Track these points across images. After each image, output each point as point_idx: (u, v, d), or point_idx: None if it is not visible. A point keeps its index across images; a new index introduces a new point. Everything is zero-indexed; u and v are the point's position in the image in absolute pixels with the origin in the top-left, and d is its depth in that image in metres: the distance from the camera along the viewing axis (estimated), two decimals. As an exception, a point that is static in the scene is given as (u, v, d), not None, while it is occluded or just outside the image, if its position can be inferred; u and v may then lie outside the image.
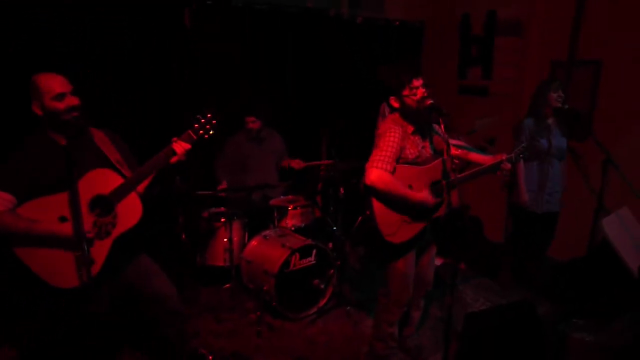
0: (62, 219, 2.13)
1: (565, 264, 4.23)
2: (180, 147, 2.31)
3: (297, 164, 4.47)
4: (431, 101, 2.56)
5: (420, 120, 2.69)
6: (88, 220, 2.14)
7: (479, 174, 2.81)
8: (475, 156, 2.92)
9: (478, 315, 3.24)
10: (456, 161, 2.75)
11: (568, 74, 4.30)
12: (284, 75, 5.06)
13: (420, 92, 2.59)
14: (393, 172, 2.58)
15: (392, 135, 2.61)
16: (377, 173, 2.53)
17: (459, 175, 2.70)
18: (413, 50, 5.57)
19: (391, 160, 2.57)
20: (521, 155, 2.94)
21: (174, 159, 2.34)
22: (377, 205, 2.62)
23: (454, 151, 2.86)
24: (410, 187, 2.63)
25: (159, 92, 4.31)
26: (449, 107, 2.59)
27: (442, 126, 2.47)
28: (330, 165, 4.26)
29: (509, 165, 2.80)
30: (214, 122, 2.37)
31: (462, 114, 4.49)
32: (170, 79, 4.34)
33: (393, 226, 2.65)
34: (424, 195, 2.61)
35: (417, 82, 2.59)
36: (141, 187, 2.37)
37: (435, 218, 2.76)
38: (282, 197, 4.45)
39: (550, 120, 3.65)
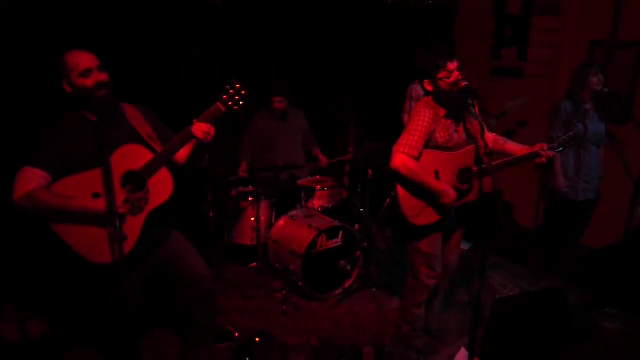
0: (95, 195, 2.14)
1: (598, 252, 4.13)
2: (199, 131, 2.21)
3: (323, 159, 4.47)
4: (466, 83, 2.49)
5: (453, 104, 2.63)
6: (120, 197, 2.15)
7: (514, 163, 2.72)
8: (512, 146, 2.79)
9: (506, 301, 3.20)
10: (490, 143, 2.67)
11: (609, 55, 4.13)
12: (314, 55, 5.00)
13: (455, 74, 2.52)
14: (419, 156, 2.56)
15: (421, 118, 2.58)
16: (401, 158, 2.54)
17: (493, 164, 2.63)
18: (445, 30, 5.44)
19: (418, 145, 2.55)
20: (563, 147, 2.80)
21: (195, 141, 2.27)
22: (400, 189, 2.64)
23: (489, 140, 2.77)
24: (437, 172, 2.61)
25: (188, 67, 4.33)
26: (481, 89, 2.52)
27: (477, 109, 2.40)
28: (358, 147, 4.22)
29: (551, 153, 2.66)
30: (243, 92, 2.23)
31: (495, 96, 4.36)
32: (200, 54, 4.34)
33: (415, 209, 2.66)
34: (445, 187, 2.56)
35: (452, 65, 2.52)
36: (182, 158, 2.36)
37: (463, 203, 2.71)
38: (309, 177, 4.44)
39: (588, 105, 3.52)
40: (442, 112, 2.63)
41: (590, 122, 3.52)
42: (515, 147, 2.78)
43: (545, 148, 2.66)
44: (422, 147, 2.56)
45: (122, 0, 3.67)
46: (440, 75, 2.54)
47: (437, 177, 2.62)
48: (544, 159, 2.66)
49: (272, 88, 4.33)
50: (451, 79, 2.52)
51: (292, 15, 4.74)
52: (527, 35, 4.76)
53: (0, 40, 3.06)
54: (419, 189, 2.59)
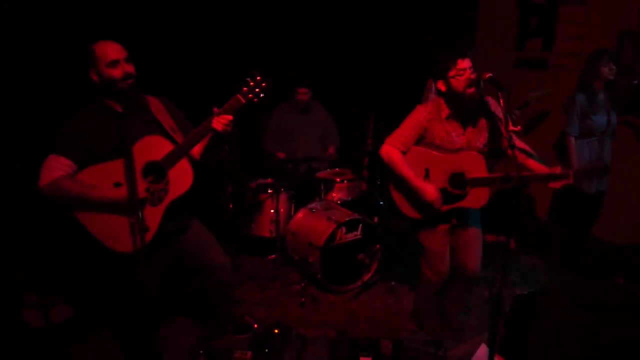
0: (118, 185, 2.18)
1: (619, 247, 4.05)
2: (219, 123, 2.21)
3: (330, 150, 4.49)
4: (490, 75, 2.43)
5: (465, 106, 2.57)
6: (141, 187, 2.17)
7: (528, 180, 2.64)
8: (534, 164, 2.63)
9: (526, 297, 3.15)
10: (518, 143, 2.54)
11: (638, 46, 4.00)
12: (334, 48, 4.98)
13: (467, 73, 2.46)
14: (407, 151, 2.63)
15: (415, 115, 2.65)
16: (386, 148, 2.65)
17: (481, 176, 2.56)
18: (468, 20, 5.35)
19: (405, 141, 2.63)
20: (582, 178, 2.67)
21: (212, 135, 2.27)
22: (390, 180, 2.75)
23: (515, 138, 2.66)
24: (427, 170, 2.62)
25: (212, 57, 4.33)
26: (504, 81, 2.45)
27: (502, 101, 2.34)
28: (377, 139, 4.19)
29: (571, 180, 2.49)
30: (263, 84, 2.24)
31: (518, 88, 4.27)
32: (200, 54, 4.35)
33: (401, 201, 2.73)
34: (425, 186, 2.57)
35: (464, 64, 2.46)
36: (197, 151, 2.38)
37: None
38: (329, 169, 4.43)
39: (602, 95, 3.43)
40: (445, 113, 2.61)
41: (604, 112, 3.45)
42: (535, 165, 2.62)
43: (558, 172, 2.50)
44: (410, 143, 2.64)
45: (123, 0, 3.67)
46: (451, 73, 2.50)
47: (427, 176, 2.62)
48: (558, 186, 2.51)
49: (297, 79, 4.31)
50: (463, 77, 2.47)
51: (293, 14, 4.71)
52: (554, 24, 4.64)
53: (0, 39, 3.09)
54: (400, 182, 2.66)
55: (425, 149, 2.64)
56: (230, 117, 2.23)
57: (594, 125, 3.45)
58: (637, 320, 2.29)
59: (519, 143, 2.59)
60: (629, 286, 3.08)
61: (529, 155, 2.65)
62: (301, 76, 4.38)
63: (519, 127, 2.79)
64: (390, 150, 2.63)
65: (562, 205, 3.87)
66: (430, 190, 2.57)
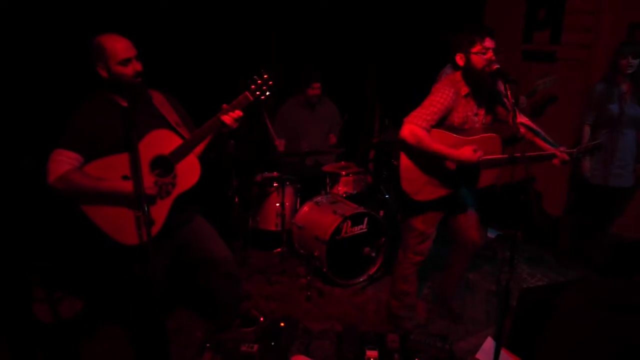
0: (125, 178, 2.18)
1: (630, 242, 4.02)
2: (229, 118, 2.25)
3: (332, 138, 4.47)
4: (498, 66, 2.43)
5: (481, 85, 2.56)
6: (149, 180, 2.18)
7: (532, 160, 2.58)
8: (540, 142, 2.68)
9: (534, 291, 3.14)
10: (522, 129, 2.59)
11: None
12: (338, 42, 4.95)
13: (490, 53, 2.47)
14: (429, 131, 2.52)
15: (440, 95, 2.53)
16: (410, 128, 2.50)
17: (489, 157, 2.54)
18: (475, 12, 5.30)
19: (430, 119, 2.50)
20: (585, 155, 2.69)
21: (224, 129, 2.30)
22: (404, 161, 2.62)
23: (521, 127, 2.68)
24: None
25: (218, 54, 4.33)
26: (512, 74, 2.44)
27: (509, 93, 2.33)
28: (383, 133, 4.17)
29: (566, 157, 2.54)
30: (270, 82, 2.30)
31: (526, 81, 4.24)
32: (228, 44, 4.34)
33: (416, 185, 2.64)
34: (463, 151, 2.47)
35: (490, 43, 2.47)
36: (198, 150, 2.39)
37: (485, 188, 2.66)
38: (334, 163, 4.42)
39: (624, 87, 3.40)
40: (465, 90, 2.57)
41: (625, 104, 3.41)
42: (541, 143, 2.66)
43: (563, 150, 2.55)
44: (434, 122, 2.52)
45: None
46: (475, 49, 2.48)
47: None
48: (557, 163, 2.56)
49: (312, 74, 4.29)
50: (486, 56, 2.46)
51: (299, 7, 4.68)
52: (562, 16, 4.59)
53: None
54: (425, 161, 2.57)
55: (444, 131, 2.57)
56: (240, 113, 2.27)
57: (611, 115, 3.44)
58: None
59: (524, 120, 2.64)
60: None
61: (535, 133, 2.68)
62: (316, 71, 4.35)
63: (526, 119, 2.78)
64: (416, 129, 2.48)
65: (578, 199, 3.85)
66: (467, 151, 2.48)
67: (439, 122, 2.56)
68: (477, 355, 2.61)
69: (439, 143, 2.51)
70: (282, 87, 4.35)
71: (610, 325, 2.25)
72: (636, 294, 2.53)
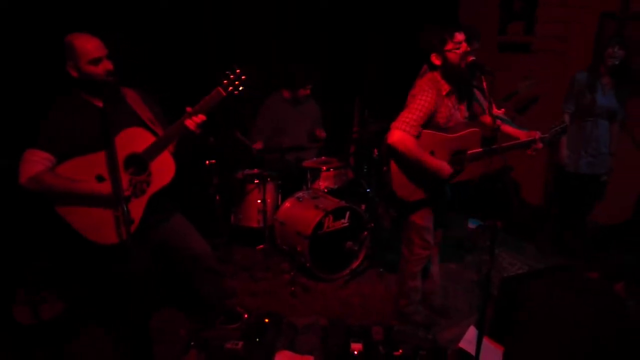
0: (100, 179, 2.16)
1: (607, 228, 4.10)
2: (192, 123, 2.23)
3: (321, 133, 4.44)
4: (473, 58, 2.46)
5: (460, 80, 2.60)
6: (124, 179, 2.16)
7: (509, 149, 2.72)
8: (510, 129, 2.80)
9: (515, 279, 3.19)
10: (498, 122, 2.64)
11: (619, 27, 4.03)
12: (318, 36, 4.93)
13: (464, 46, 2.50)
14: (419, 136, 2.57)
15: (424, 98, 2.55)
16: (399, 135, 2.52)
17: (476, 150, 2.66)
18: (450, 5, 5.34)
19: (417, 125, 2.55)
20: (557, 136, 2.83)
21: (188, 134, 2.27)
22: (394, 166, 2.66)
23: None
24: (432, 152, 2.62)
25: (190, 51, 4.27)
26: (489, 65, 2.49)
27: (485, 84, 2.37)
28: (363, 127, 4.17)
29: (541, 145, 2.69)
30: (243, 77, 2.26)
31: (503, 72, 4.29)
32: (203, 40, 4.29)
33: (409, 188, 2.70)
34: (440, 164, 2.58)
35: (460, 37, 2.51)
36: (172, 148, 2.37)
37: (463, 182, 2.75)
38: (315, 158, 4.41)
39: (605, 78, 3.48)
40: (446, 88, 2.61)
41: (600, 95, 3.48)
42: (512, 130, 2.79)
43: (537, 138, 2.67)
44: (420, 127, 2.56)
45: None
46: (449, 47, 2.51)
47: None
48: (532, 152, 2.71)
49: (312, 74, 4.24)
50: (460, 51, 2.50)
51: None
52: (535, 7, 4.65)
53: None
54: (413, 167, 2.61)
55: (430, 131, 2.62)
56: (203, 117, 2.25)
57: (590, 105, 3.50)
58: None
59: (496, 111, 2.72)
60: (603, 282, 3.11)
61: (504, 121, 2.78)
62: (310, 70, 4.30)
63: (502, 110, 2.83)
64: (405, 137, 2.52)
65: (556, 187, 3.92)
66: (445, 166, 2.59)
67: (425, 123, 2.59)
68: (460, 344, 2.64)
69: (425, 148, 2.57)
70: (282, 88, 4.31)
71: (577, 310, 2.30)
72: (601, 279, 2.61)
